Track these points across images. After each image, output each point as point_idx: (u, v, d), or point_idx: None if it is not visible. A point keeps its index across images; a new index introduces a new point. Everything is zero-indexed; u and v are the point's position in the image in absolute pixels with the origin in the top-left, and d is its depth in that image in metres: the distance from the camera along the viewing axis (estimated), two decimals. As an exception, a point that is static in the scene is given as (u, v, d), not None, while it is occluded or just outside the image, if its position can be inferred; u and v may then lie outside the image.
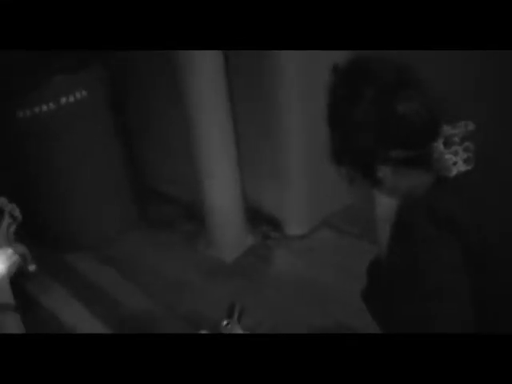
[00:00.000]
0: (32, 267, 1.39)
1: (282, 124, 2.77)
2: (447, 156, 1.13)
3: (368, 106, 1.13)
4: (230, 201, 2.93)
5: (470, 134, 1.14)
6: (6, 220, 1.36)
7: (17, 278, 1.34)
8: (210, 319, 1.50)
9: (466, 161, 1.13)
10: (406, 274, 1.12)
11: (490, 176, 1.24)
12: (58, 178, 3.03)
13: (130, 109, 3.36)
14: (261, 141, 2.85)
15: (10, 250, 1.33)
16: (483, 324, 1.08)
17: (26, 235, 1.43)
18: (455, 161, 1.13)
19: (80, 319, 2.70)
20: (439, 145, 1.13)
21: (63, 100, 2.81)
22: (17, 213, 1.38)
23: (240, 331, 1.41)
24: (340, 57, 1.20)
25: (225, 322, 1.42)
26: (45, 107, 2.79)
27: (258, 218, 3.10)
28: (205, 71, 2.58)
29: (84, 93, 2.86)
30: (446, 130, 1.14)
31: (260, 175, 2.97)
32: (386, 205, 1.22)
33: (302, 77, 2.62)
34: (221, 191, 2.89)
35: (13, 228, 1.37)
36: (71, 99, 2.83)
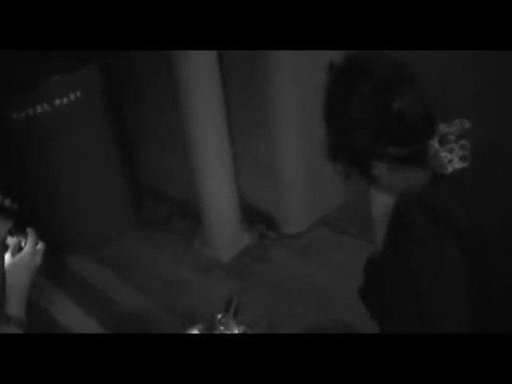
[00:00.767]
0: None
1: (278, 122, 2.77)
2: (443, 154, 1.13)
3: (364, 103, 1.13)
4: (226, 199, 2.93)
5: (465, 132, 1.15)
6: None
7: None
8: (206, 318, 1.50)
9: (461, 158, 1.14)
10: (402, 270, 1.12)
11: (487, 173, 1.24)
12: (54, 178, 3.02)
13: (125, 108, 3.36)
14: (256, 139, 2.85)
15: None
16: (480, 321, 1.08)
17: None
18: (451, 158, 1.13)
19: (76, 319, 2.69)
20: (435, 142, 1.14)
21: (59, 101, 2.80)
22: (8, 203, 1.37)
23: (235, 326, 1.41)
24: (336, 54, 1.20)
25: (219, 316, 1.42)
26: (40, 108, 2.77)
27: (254, 216, 3.09)
28: (200, 70, 2.58)
29: (80, 93, 2.85)
30: (442, 128, 1.15)
31: (256, 173, 2.97)
32: (382, 202, 1.22)
33: (298, 74, 2.62)
34: (217, 190, 2.88)
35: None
36: (67, 100, 2.81)
